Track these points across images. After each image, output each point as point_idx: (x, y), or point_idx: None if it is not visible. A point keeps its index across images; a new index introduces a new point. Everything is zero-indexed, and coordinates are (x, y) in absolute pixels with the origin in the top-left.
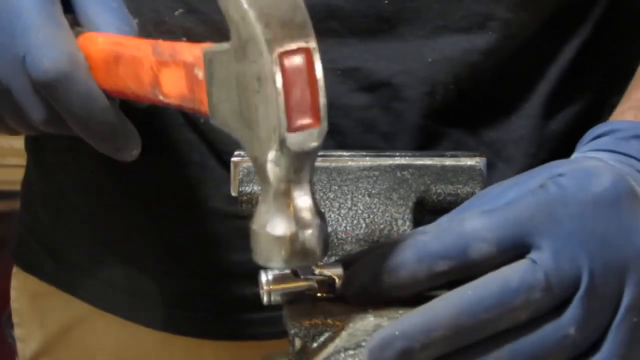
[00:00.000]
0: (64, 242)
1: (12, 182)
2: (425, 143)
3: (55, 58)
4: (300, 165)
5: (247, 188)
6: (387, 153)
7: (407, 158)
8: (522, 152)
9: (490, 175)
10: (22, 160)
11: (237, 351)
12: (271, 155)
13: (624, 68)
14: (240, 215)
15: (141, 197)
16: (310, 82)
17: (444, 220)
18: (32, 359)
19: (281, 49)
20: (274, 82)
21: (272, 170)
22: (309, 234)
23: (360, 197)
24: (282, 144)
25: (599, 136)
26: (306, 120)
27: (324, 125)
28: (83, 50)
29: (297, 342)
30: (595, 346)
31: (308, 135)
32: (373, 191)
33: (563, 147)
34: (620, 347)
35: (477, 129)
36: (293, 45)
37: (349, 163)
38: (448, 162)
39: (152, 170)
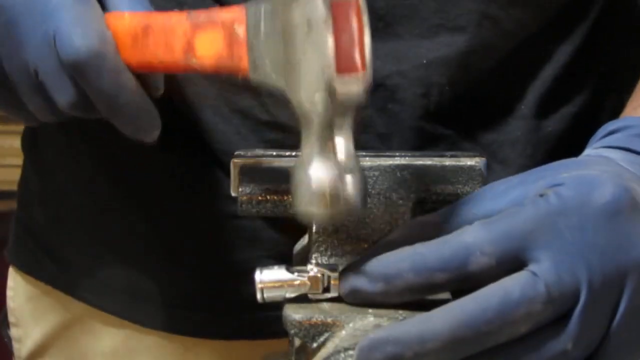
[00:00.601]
0: (61, 242)
1: (12, 182)
2: (421, 144)
3: (85, 37)
4: (345, 109)
5: (246, 188)
6: (387, 153)
7: (406, 158)
8: (518, 153)
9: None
10: (22, 161)
11: (237, 351)
12: (317, 97)
13: (621, 69)
14: (239, 216)
15: (139, 197)
16: (358, 28)
17: (444, 213)
18: (28, 359)
19: None
20: (325, 24)
21: (317, 113)
22: (351, 180)
23: None
24: (330, 86)
25: (611, 132)
26: (353, 65)
27: (369, 72)
28: (110, 27)
29: (297, 342)
30: (589, 357)
31: (354, 79)
32: (373, 191)
33: (560, 148)
34: (614, 357)
35: (473, 130)
36: None
37: None
38: (448, 162)
39: (151, 171)
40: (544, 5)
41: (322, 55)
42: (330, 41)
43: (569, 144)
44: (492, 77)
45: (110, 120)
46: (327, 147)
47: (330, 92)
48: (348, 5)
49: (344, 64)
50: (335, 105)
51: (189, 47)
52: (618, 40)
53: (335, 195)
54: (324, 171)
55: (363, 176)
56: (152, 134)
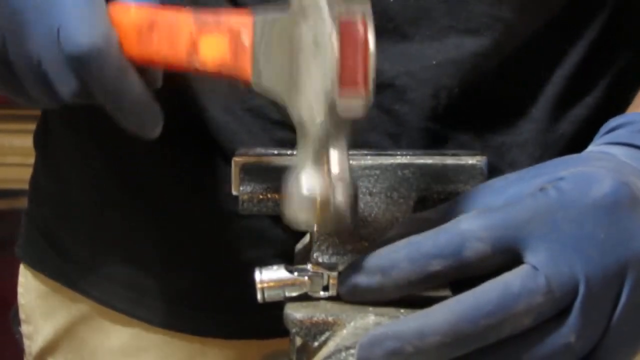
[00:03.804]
0: (70, 240)
1: (12, 181)
2: (429, 145)
3: (90, 33)
4: (343, 125)
5: (247, 187)
6: (389, 152)
7: (408, 157)
8: (527, 155)
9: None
10: (22, 159)
11: (244, 350)
12: (317, 112)
13: (634, 69)
14: (243, 215)
15: (148, 196)
16: (364, 52)
17: (442, 209)
18: (39, 356)
19: (342, 17)
20: (332, 46)
21: (317, 132)
22: (341, 191)
23: (361, 196)
24: (332, 107)
25: (614, 128)
26: (356, 87)
27: (371, 94)
28: (113, 18)
29: (298, 341)
30: (592, 351)
31: (356, 101)
32: (374, 190)
33: (570, 151)
34: (615, 351)
35: (482, 133)
36: (353, 15)
37: (350, 162)
38: (449, 161)
39: (161, 169)
40: (554, 7)
41: (326, 73)
42: (335, 60)
43: (580, 147)
44: (502, 79)
45: (112, 115)
46: (321, 158)
47: (331, 108)
48: (356, 23)
49: (347, 82)
50: (334, 120)
51: (193, 48)
52: (630, 41)
53: (325, 204)
54: (315, 180)
55: (354, 189)
56: (154, 130)
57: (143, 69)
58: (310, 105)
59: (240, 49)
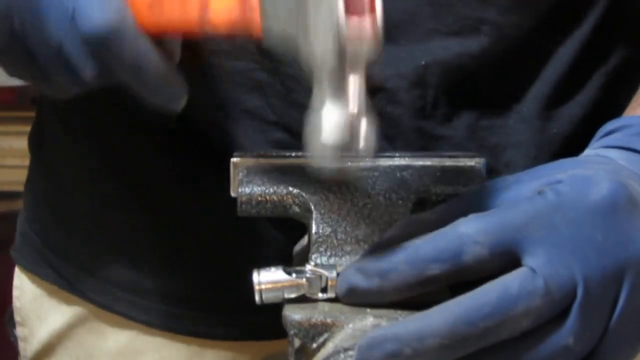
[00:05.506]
0: (66, 242)
1: (11, 183)
2: (425, 146)
3: (104, 12)
4: (355, 53)
5: (246, 189)
6: (387, 154)
7: (406, 159)
8: (523, 156)
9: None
10: (22, 161)
11: (243, 352)
12: (328, 41)
13: (628, 68)
14: (241, 216)
15: (146, 198)
16: None
17: (439, 210)
18: (35, 359)
19: None
20: None
21: (329, 56)
22: (362, 121)
23: (360, 197)
24: (339, 28)
25: (611, 132)
26: (362, 7)
27: (380, 15)
28: None
29: (297, 342)
30: (590, 353)
31: (364, 22)
32: (373, 192)
33: (565, 151)
34: (613, 353)
35: (475, 133)
36: None
37: (349, 163)
38: (448, 162)
39: (157, 170)
40: (542, 7)
41: (332, 7)
42: None
43: (575, 146)
44: (491, 80)
45: (136, 91)
46: (339, 90)
47: (340, 34)
48: None
49: (352, 7)
50: (345, 47)
51: (205, 12)
52: (623, 39)
53: (347, 133)
54: (336, 111)
55: (373, 119)
56: (179, 101)
57: (159, 41)
58: (319, 38)
59: (248, 4)
